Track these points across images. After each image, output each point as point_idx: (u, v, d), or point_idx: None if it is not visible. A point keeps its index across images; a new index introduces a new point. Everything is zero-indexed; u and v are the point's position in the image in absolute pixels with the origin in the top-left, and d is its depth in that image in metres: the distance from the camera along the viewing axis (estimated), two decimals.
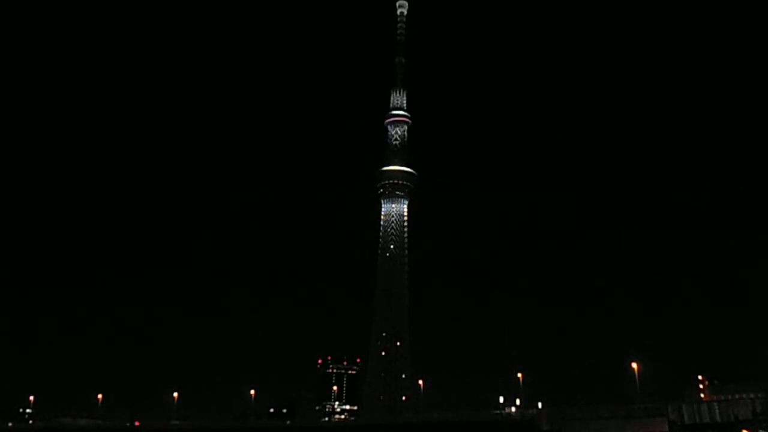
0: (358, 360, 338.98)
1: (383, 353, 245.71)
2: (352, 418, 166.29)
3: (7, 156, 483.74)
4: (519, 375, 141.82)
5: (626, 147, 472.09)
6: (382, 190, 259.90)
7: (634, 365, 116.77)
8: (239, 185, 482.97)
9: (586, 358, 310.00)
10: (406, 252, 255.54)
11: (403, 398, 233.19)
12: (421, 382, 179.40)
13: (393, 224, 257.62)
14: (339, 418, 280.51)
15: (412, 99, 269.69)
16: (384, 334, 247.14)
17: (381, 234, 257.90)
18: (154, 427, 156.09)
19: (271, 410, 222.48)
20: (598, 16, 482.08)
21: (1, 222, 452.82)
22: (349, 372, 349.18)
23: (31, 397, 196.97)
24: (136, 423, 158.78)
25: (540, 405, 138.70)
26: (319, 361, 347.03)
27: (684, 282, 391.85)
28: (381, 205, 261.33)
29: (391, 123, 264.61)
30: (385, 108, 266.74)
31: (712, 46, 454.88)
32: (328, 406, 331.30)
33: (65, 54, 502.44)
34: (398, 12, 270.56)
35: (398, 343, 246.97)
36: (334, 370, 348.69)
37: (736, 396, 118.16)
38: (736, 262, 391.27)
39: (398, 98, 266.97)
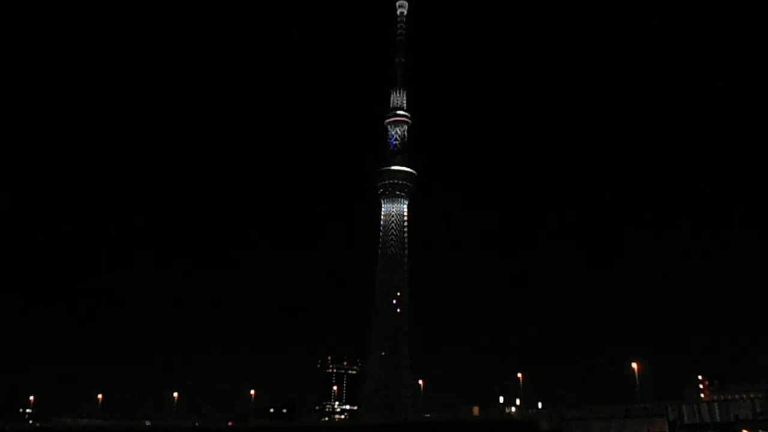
0: (358, 360, 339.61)
1: (383, 353, 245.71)
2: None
3: (7, 156, 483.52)
4: (519, 375, 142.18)
5: (626, 143, 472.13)
6: (382, 190, 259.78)
7: (634, 365, 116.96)
8: (238, 185, 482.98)
9: (586, 359, 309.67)
10: (406, 252, 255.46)
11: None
12: (421, 382, 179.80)
13: (393, 224, 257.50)
14: (339, 418, 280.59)
15: (412, 99, 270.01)
16: (384, 335, 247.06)
17: (381, 234, 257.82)
18: (156, 427, 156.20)
19: (271, 410, 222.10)
20: (598, 16, 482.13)
21: (2, 220, 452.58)
22: (349, 372, 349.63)
23: (31, 397, 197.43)
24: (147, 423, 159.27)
25: (540, 405, 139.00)
26: (319, 361, 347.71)
27: (684, 282, 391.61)
28: (381, 205, 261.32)
29: (391, 123, 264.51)
30: (385, 108, 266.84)
31: (711, 48, 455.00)
32: (328, 406, 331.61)
33: (65, 54, 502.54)
34: (398, 12, 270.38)
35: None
36: (334, 370, 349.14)
37: (736, 396, 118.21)
38: (735, 262, 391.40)
39: (398, 98, 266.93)
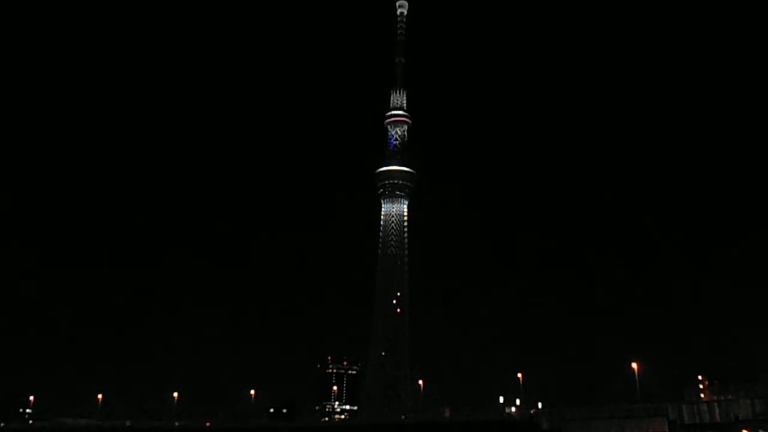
0: (358, 360, 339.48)
1: (383, 353, 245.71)
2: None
3: (7, 156, 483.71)
4: (519, 375, 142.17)
5: (626, 143, 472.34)
6: (382, 190, 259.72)
7: (634, 365, 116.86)
8: (238, 185, 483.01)
9: (586, 359, 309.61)
10: (406, 252, 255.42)
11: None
12: (420, 382, 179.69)
13: (393, 224, 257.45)
14: (339, 418, 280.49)
15: (412, 99, 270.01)
16: (384, 335, 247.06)
17: (381, 234, 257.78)
18: (154, 427, 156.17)
19: (271, 410, 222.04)
20: (598, 15, 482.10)
21: (2, 220, 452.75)
22: (349, 372, 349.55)
23: (31, 397, 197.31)
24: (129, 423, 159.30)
25: (540, 405, 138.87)
26: (319, 361, 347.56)
27: (684, 281, 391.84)
28: (381, 205, 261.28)
29: (391, 123, 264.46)
30: (385, 108, 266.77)
31: (711, 48, 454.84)
32: (328, 406, 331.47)
33: (65, 54, 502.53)
34: (398, 12, 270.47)
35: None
36: (334, 370, 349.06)
37: (736, 396, 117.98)
38: (735, 261, 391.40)
39: (398, 98, 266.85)
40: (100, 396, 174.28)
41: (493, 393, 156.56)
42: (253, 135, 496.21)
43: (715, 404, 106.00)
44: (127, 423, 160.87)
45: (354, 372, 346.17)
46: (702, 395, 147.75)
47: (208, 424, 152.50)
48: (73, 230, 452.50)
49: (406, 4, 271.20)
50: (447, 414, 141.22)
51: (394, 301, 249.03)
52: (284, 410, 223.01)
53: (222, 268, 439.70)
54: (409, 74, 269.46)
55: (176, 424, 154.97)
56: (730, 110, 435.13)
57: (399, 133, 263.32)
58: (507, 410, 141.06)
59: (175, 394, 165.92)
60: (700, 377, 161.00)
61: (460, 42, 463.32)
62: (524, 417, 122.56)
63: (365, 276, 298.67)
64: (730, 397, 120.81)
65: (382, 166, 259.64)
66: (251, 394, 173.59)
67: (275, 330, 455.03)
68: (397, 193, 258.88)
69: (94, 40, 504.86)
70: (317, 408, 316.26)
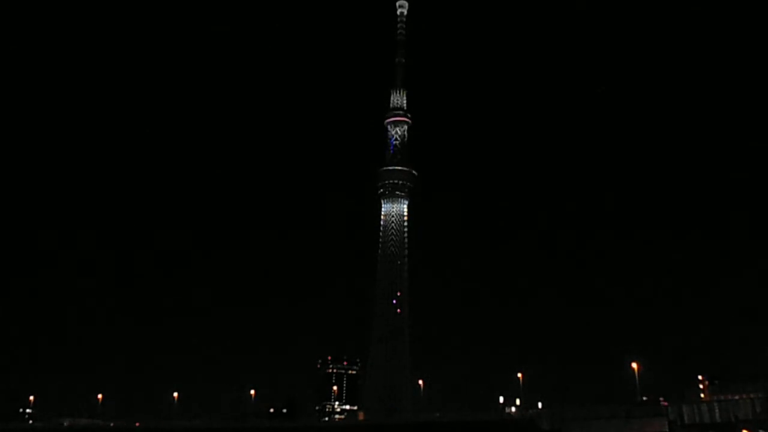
0: (358, 360, 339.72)
1: (383, 353, 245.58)
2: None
3: (6, 156, 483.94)
4: (519, 375, 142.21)
5: (627, 143, 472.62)
6: (382, 190, 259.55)
7: (634, 365, 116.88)
8: (237, 186, 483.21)
9: (586, 359, 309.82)
10: (406, 252, 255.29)
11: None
12: (421, 382, 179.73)
13: (393, 224, 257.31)
14: (339, 418, 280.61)
15: (412, 99, 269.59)
16: (384, 335, 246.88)
17: (381, 234, 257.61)
18: (154, 427, 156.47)
19: (271, 410, 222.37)
20: (599, 16, 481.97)
21: (2, 219, 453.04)
22: (349, 372, 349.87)
23: (31, 397, 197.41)
24: (136, 423, 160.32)
25: (540, 405, 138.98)
26: (319, 361, 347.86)
27: (684, 281, 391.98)
28: (381, 205, 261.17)
29: (391, 123, 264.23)
30: (385, 108, 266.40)
31: (711, 48, 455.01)
32: (328, 406, 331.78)
33: (65, 54, 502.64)
34: (398, 12, 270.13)
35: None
36: (334, 370, 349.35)
37: (736, 396, 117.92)
38: (735, 261, 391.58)
39: (398, 98, 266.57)
40: (100, 396, 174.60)
41: (493, 393, 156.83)
42: (253, 135, 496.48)
43: (715, 404, 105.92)
44: (65, 423, 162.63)
45: (354, 372, 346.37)
46: (702, 395, 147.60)
47: (137, 423, 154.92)
48: (71, 230, 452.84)
49: (406, 4, 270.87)
50: (361, 417, 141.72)
51: (394, 302, 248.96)
52: (284, 410, 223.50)
53: (222, 268, 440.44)
54: (409, 74, 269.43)
55: (110, 424, 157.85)
56: (730, 110, 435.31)
57: (399, 133, 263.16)
58: (507, 410, 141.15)
59: (175, 394, 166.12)
60: (700, 377, 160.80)
61: (460, 42, 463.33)
62: (524, 417, 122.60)
63: (365, 276, 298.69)
64: (730, 397, 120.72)
65: (382, 166, 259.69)
66: (251, 394, 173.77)
67: (275, 330, 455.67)
68: (397, 193, 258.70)
69: (92, 39, 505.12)
70: (317, 408, 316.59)
